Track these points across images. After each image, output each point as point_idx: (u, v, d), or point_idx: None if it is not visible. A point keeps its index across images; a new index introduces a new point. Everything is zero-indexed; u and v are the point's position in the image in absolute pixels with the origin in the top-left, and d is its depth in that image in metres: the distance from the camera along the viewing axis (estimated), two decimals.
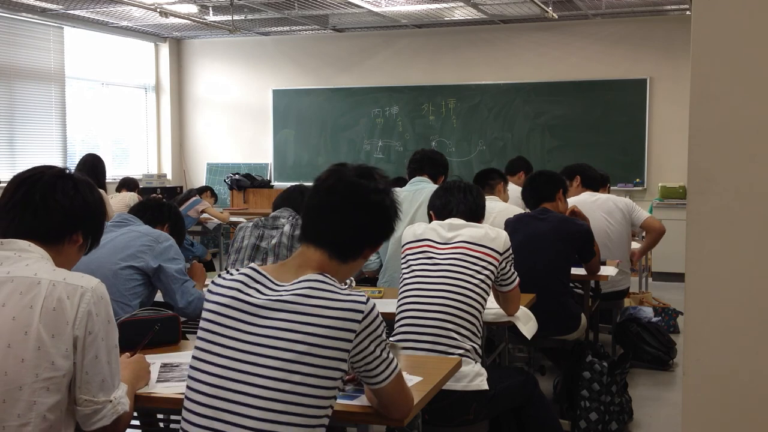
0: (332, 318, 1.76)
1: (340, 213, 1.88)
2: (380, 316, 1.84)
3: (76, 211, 1.96)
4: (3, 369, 1.75)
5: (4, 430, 1.75)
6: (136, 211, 3.43)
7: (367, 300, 1.81)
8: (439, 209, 3.20)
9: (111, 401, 1.86)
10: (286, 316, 1.77)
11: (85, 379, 1.82)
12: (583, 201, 4.91)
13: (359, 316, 1.77)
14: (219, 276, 1.92)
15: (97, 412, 1.84)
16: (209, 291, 1.88)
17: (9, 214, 1.92)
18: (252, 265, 1.90)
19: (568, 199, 4.90)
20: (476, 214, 3.17)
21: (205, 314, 1.85)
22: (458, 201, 3.15)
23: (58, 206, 1.93)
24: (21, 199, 1.92)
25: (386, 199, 1.93)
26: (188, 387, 1.83)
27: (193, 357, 1.84)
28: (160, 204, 3.55)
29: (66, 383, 1.81)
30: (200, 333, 1.84)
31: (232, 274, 1.88)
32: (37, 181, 1.95)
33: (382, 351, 1.85)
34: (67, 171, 2.02)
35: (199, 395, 1.79)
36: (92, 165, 6.62)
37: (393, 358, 1.90)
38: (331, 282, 1.83)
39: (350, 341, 1.77)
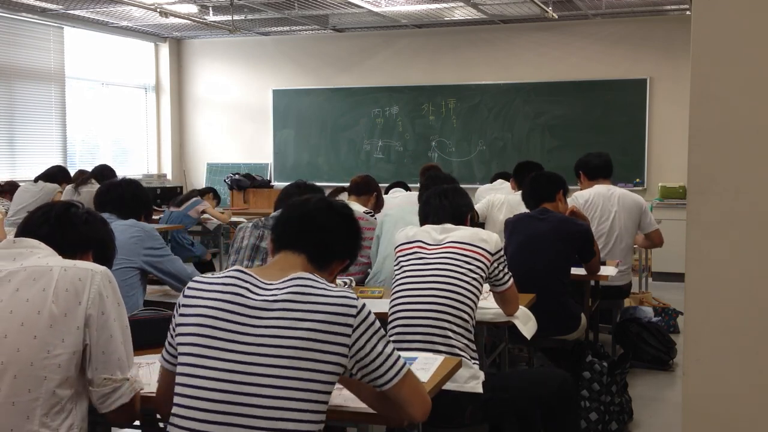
0: (327, 312, 1.80)
1: (315, 222, 2.06)
2: (373, 314, 1.86)
3: (88, 233, 2.17)
4: (16, 346, 1.83)
5: (14, 405, 1.82)
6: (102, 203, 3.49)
7: (358, 297, 1.87)
8: (422, 221, 3.23)
9: (128, 379, 1.95)
10: (282, 314, 1.80)
11: (102, 359, 1.90)
12: (598, 194, 4.92)
13: (353, 311, 1.82)
14: (202, 276, 1.95)
15: (116, 390, 1.92)
16: (194, 290, 1.90)
17: (28, 230, 2.10)
18: (236, 267, 1.94)
19: (583, 192, 4.94)
20: (459, 213, 3.17)
21: (197, 318, 1.85)
22: (436, 209, 3.17)
23: (71, 225, 2.14)
24: (38, 219, 2.12)
25: (353, 216, 2.14)
26: (188, 386, 1.81)
27: (190, 356, 1.82)
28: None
29: (76, 361, 1.88)
30: (195, 338, 1.83)
31: (215, 275, 1.92)
32: (52, 207, 2.17)
33: (384, 347, 1.86)
34: (78, 203, 2.26)
35: (204, 399, 1.77)
36: (99, 173, 6.90)
37: (399, 356, 1.90)
38: (321, 280, 1.89)
39: (348, 336, 1.79)
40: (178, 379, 1.83)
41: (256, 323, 1.81)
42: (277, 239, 2.05)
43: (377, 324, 1.86)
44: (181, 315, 1.88)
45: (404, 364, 1.91)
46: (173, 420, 1.81)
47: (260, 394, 1.75)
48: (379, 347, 1.85)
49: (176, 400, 1.82)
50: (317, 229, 2.04)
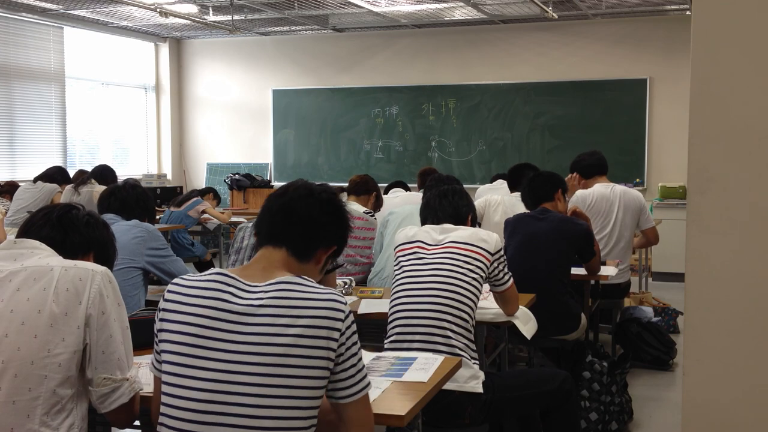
0: (315, 317, 1.74)
1: (293, 212, 1.96)
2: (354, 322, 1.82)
3: (89, 235, 2.18)
4: (16, 345, 1.84)
5: (14, 404, 1.82)
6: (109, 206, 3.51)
7: (346, 301, 1.81)
8: (422, 222, 3.24)
9: (128, 379, 1.95)
10: (268, 320, 1.74)
11: (101, 358, 1.91)
12: (600, 195, 4.92)
13: (341, 315, 1.77)
14: (181, 278, 1.87)
15: (116, 390, 1.93)
16: (175, 294, 1.83)
17: (30, 231, 2.12)
18: (217, 269, 1.88)
19: (584, 193, 4.94)
20: (459, 214, 3.17)
21: (180, 326, 1.78)
22: (436, 209, 3.18)
23: (73, 227, 2.15)
24: (40, 219, 2.14)
25: (335, 199, 2.02)
26: (172, 395, 1.75)
27: (174, 365, 1.76)
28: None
29: (76, 361, 1.89)
30: (179, 346, 1.76)
31: (196, 277, 1.85)
32: (54, 209, 2.18)
33: (360, 359, 1.82)
34: (79, 205, 2.26)
35: (190, 410, 1.73)
36: (99, 173, 6.88)
37: (367, 374, 1.85)
38: (307, 281, 1.82)
39: (336, 340, 1.75)
40: (164, 388, 1.77)
41: (242, 330, 1.75)
42: (259, 234, 1.97)
43: (357, 333, 1.81)
44: (163, 320, 1.81)
45: (369, 384, 1.84)
46: (160, 430, 1.77)
47: (247, 404, 1.71)
48: (355, 359, 1.80)
49: (163, 409, 1.77)
50: (297, 219, 1.94)
